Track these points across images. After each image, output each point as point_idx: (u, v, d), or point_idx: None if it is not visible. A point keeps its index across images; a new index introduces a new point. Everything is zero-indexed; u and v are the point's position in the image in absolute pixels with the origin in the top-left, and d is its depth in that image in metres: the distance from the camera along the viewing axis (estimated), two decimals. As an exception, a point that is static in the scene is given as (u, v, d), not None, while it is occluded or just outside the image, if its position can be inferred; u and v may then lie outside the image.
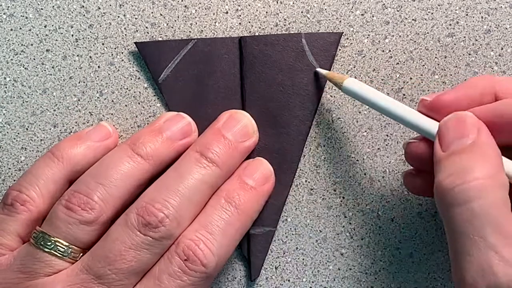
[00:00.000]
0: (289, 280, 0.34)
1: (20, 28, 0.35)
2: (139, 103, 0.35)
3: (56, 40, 0.35)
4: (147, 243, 0.28)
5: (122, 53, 0.35)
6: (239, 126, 0.32)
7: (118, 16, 0.35)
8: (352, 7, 0.35)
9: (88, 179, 0.30)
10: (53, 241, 0.29)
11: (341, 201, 0.34)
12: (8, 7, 0.35)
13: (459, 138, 0.25)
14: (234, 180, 0.31)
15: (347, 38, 0.34)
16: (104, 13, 0.35)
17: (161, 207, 0.29)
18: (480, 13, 0.34)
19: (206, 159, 0.30)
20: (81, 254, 0.29)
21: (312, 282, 0.34)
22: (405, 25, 0.34)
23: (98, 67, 0.35)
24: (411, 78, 0.34)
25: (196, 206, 0.30)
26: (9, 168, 0.34)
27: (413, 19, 0.34)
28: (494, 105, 0.27)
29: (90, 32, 0.35)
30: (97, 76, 0.35)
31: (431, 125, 0.28)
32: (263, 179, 0.32)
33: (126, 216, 0.29)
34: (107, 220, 0.29)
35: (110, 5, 0.35)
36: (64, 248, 0.29)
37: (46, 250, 0.29)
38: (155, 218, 0.28)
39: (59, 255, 0.29)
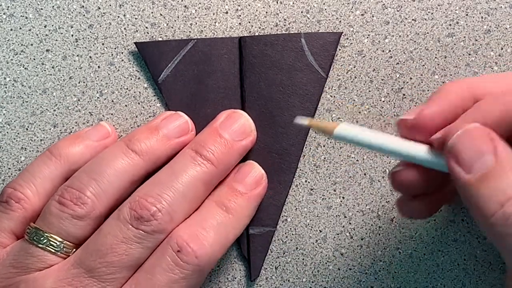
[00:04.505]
0: (289, 280, 0.34)
1: (20, 28, 0.35)
2: (139, 103, 0.35)
3: (56, 40, 0.35)
4: (139, 237, 0.28)
5: (122, 53, 0.35)
6: (236, 125, 0.32)
7: (118, 16, 0.35)
8: (352, 7, 0.35)
9: (82, 174, 0.30)
10: (46, 237, 0.29)
11: (341, 201, 0.34)
12: (8, 7, 0.35)
13: (479, 156, 0.24)
14: (225, 186, 0.31)
15: (347, 38, 0.34)
16: (104, 13, 0.35)
17: (154, 201, 0.29)
18: (480, 13, 0.34)
19: (201, 156, 0.30)
20: (74, 249, 0.29)
21: (312, 282, 0.34)
22: (405, 25, 0.34)
23: (98, 67, 0.35)
24: (411, 78, 0.34)
25: (190, 203, 0.30)
26: (9, 168, 0.34)
27: (413, 19, 0.34)
28: (474, 110, 0.25)
29: (90, 32, 0.35)
30: (97, 76, 0.35)
31: (423, 151, 0.26)
32: (254, 183, 0.32)
33: (119, 211, 0.29)
34: (99, 215, 0.29)
35: (110, 5, 0.35)
36: (57, 244, 0.29)
37: (40, 245, 0.29)
38: (147, 212, 0.28)
39: (52, 250, 0.29)
